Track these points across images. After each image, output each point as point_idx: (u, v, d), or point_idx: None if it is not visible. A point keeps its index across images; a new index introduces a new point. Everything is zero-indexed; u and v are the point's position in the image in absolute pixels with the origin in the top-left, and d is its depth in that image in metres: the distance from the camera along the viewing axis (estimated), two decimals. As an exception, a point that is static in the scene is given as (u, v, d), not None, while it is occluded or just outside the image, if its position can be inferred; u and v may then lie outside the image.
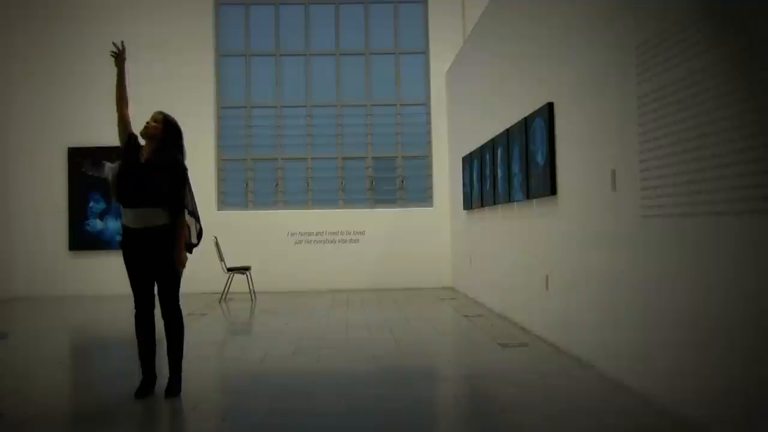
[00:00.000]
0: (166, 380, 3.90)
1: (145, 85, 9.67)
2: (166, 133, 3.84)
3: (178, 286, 3.83)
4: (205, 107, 10.11)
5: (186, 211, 3.80)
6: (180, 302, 3.89)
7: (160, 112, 3.89)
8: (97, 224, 9.80)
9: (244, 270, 9.03)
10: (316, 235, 10.17)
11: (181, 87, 9.91)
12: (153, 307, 3.82)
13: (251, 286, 9.17)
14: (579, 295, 4.54)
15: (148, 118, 3.98)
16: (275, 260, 9.94)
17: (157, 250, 3.74)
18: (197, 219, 3.99)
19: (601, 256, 4.13)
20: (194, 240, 3.94)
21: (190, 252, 3.88)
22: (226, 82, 10.29)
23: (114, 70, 3.90)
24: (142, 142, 3.91)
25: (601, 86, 4.10)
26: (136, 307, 3.85)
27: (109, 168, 9.62)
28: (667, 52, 3.27)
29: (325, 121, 10.40)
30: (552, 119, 4.98)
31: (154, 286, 3.79)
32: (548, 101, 5.04)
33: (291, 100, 10.38)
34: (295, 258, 10.04)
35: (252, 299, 9.00)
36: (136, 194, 3.71)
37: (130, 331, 4.08)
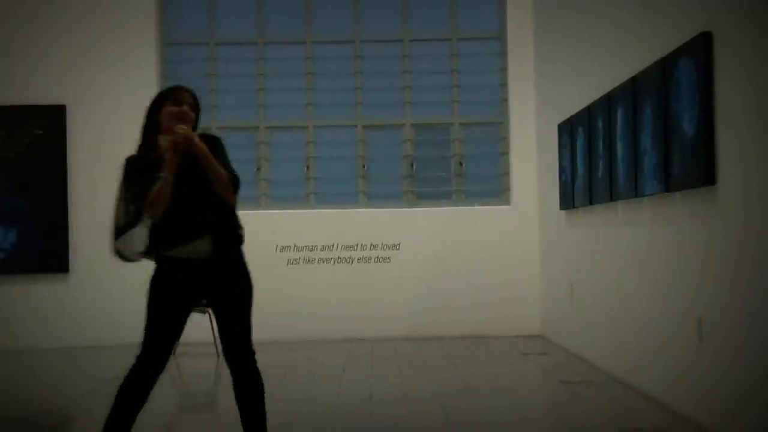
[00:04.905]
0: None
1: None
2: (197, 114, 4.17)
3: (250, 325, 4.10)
4: (141, 43, 9.68)
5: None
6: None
7: (187, 89, 4.04)
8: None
9: (205, 308, 8.34)
10: (322, 250, 9.62)
11: (102, 13, 9.53)
12: (165, 365, 4.00)
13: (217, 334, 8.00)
14: (759, 350, 4.28)
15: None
16: (255, 291, 8.21)
17: (222, 282, 3.97)
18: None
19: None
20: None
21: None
22: (173, 4, 9.88)
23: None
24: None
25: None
26: (142, 359, 3.89)
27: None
28: None
29: (336, 67, 10.01)
30: (709, 60, 4.80)
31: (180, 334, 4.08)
32: (703, 30, 4.87)
33: (281, 33, 9.99)
34: (288, 287, 9.58)
35: (218, 354, 8.56)
36: (195, 218, 3.89)
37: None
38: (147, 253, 3.93)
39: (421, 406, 5.92)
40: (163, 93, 4.02)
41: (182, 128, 3.83)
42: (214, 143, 4.00)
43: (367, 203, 9.79)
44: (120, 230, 3.86)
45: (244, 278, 4.03)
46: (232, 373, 4.00)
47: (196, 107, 4.03)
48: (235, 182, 3.93)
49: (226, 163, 3.97)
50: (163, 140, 3.82)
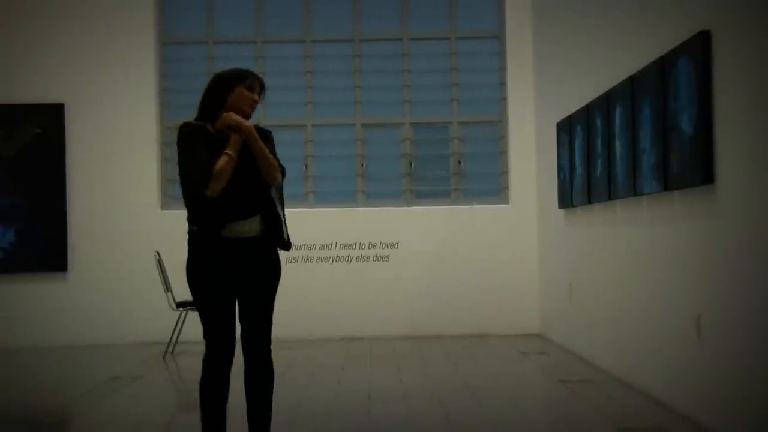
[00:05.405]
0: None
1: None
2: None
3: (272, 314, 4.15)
4: (140, 43, 9.65)
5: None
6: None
7: (260, 78, 4.10)
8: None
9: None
10: (321, 249, 9.55)
11: (102, 13, 9.54)
12: (234, 349, 4.00)
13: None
14: (759, 350, 4.24)
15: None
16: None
17: (261, 264, 4.01)
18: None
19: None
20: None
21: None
22: (172, 4, 9.87)
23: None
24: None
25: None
26: (211, 349, 3.90)
27: None
28: None
29: (335, 65, 9.96)
30: (708, 59, 4.76)
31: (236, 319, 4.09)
32: (702, 29, 4.81)
33: (280, 31, 9.96)
34: (286, 286, 9.53)
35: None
36: (250, 199, 3.97)
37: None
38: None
39: (420, 405, 5.87)
40: (237, 74, 4.03)
41: (233, 115, 3.85)
42: (265, 136, 4.05)
43: (366, 202, 9.72)
44: (201, 199, 3.83)
45: (278, 267, 4.05)
46: (246, 360, 3.99)
47: (261, 99, 4.11)
48: (281, 169, 4.03)
49: (273, 155, 4.04)
50: (220, 121, 3.86)
